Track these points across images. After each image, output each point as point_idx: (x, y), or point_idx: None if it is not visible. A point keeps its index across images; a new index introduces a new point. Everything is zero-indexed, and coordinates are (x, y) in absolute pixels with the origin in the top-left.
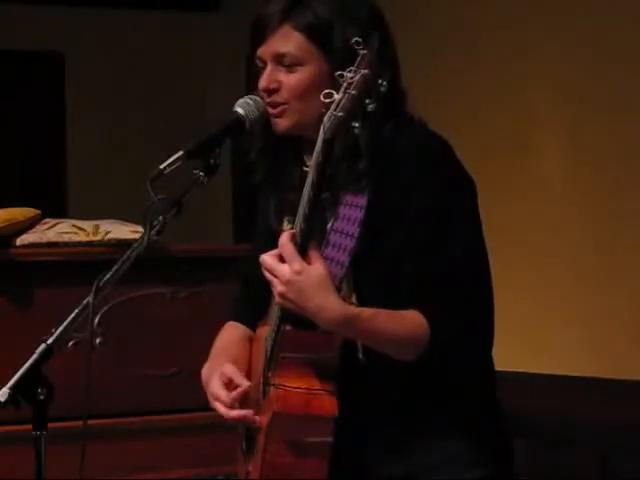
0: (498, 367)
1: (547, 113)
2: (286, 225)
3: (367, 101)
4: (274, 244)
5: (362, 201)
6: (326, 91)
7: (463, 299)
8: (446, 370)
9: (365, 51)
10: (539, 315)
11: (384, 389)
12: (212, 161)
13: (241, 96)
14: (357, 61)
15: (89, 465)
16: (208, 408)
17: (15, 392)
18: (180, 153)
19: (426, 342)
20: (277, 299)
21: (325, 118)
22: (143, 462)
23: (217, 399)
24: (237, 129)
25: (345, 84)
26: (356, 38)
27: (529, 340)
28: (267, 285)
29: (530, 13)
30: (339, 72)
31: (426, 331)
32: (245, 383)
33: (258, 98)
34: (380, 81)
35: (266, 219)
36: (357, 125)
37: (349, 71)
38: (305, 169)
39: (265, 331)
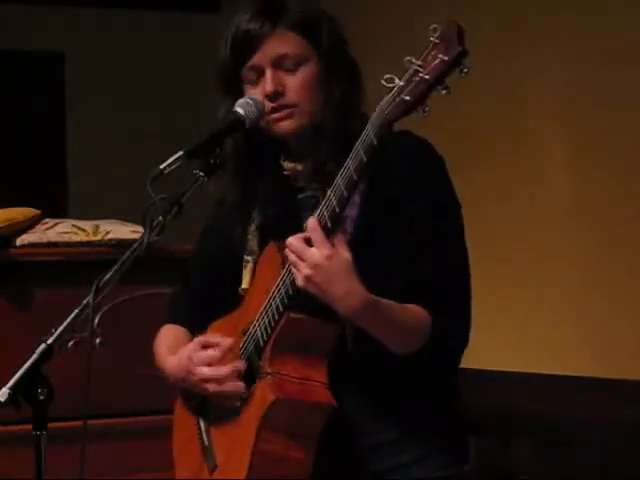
0: (498, 367)
1: (547, 113)
2: (253, 231)
3: (438, 87)
4: (228, 249)
5: (356, 199)
6: (387, 76)
7: (461, 297)
8: (426, 370)
9: (437, 40)
10: (539, 315)
11: (368, 385)
12: (212, 161)
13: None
14: (429, 48)
15: (89, 465)
16: None
17: (15, 392)
18: (180, 153)
19: (427, 336)
20: (301, 282)
21: (383, 101)
22: (143, 462)
23: (204, 362)
24: (237, 129)
25: (413, 69)
26: (434, 25)
27: (529, 340)
28: (222, 287)
29: (530, 12)
30: (408, 58)
31: (429, 325)
32: (228, 339)
33: (258, 98)
34: (460, 68)
35: (222, 223)
36: (427, 109)
37: (425, 56)
38: (285, 173)
39: (218, 329)
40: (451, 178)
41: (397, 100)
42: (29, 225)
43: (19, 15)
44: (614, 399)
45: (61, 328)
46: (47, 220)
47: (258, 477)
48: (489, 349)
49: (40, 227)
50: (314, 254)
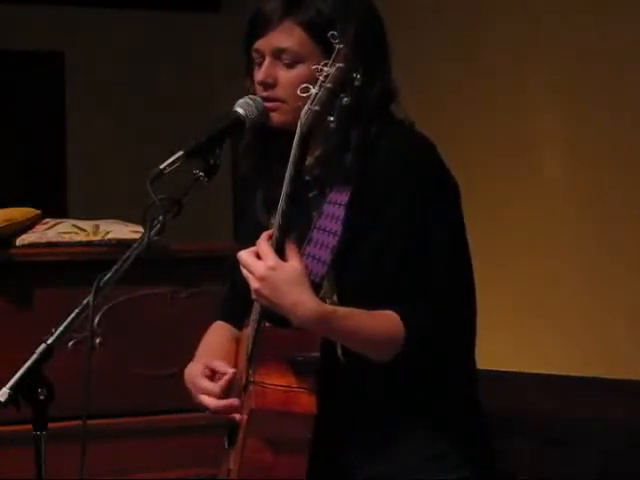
0: (498, 367)
1: (547, 112)
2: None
3: (342, 95)
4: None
5: (346, 199)
6: (303, 85)
7: (439, 300)
8: (424, 370)
9: (341, 45)
10: (539, 315)
11: (365, 389)
12: (212, 161)
13: (241, 96)
14: (333, 55)
15: (89, 465)
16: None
17: (15, 392)
18: (180, 153)
19: (401, 342)
20: (253, 295)
21: (302, 112)
22: (143, 462)
23: (204, 392)
24: (237, 129)
25: (321, 78)
26: (332, 32)
27: (529, 340)
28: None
29: (530, 12)
30: (315, 66)
31: (401, 331)
32: (230, 370)
33: (258, 98)
34: (355, 75)
35: (253, 215)
36: (332, 119)
37: (324, 64)
38: None
39: (248, 331)
40: (442, 171)
41: (309, 110)
42: (29, 225)
43: (19, 15)
44: (614, 399)
45: (61, 328)
46: (47, 220)
47: None
48: (489, 349)
49: (40, 227)
50: (260, 267)
